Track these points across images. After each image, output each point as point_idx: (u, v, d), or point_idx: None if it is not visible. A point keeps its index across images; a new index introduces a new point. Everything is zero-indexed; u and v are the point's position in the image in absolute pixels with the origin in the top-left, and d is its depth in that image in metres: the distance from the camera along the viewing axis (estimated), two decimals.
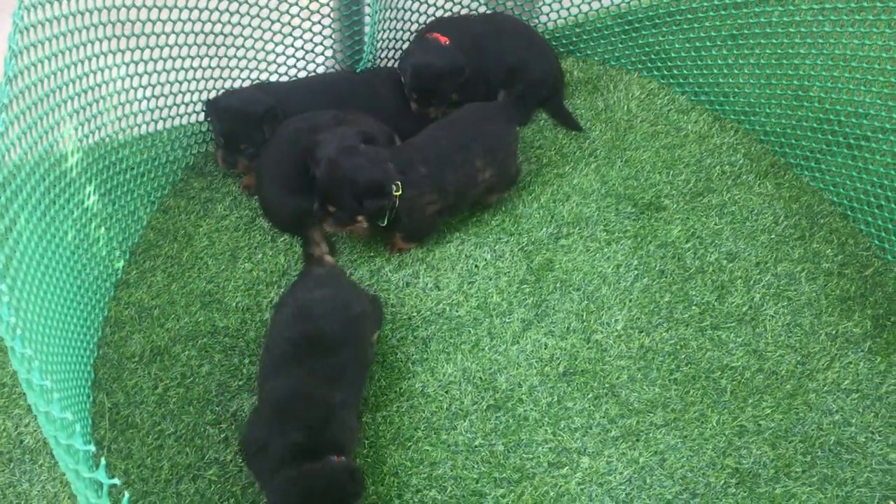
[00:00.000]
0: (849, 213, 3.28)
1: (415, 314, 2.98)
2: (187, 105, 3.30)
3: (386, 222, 2.93)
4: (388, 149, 3.05)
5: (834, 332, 2.98)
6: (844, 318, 3.01)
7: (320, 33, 3.47)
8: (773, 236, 3.23)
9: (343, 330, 2.55)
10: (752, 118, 3.55)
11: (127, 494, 1.47)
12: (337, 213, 2.89)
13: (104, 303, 2.90)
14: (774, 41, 3.41)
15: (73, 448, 1.46)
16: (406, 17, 3.62)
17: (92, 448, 1.48)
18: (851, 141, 3.26)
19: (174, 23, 3.03)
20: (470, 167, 3.07)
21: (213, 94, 3.35)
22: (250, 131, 3.12)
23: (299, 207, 3.02)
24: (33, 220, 2.10)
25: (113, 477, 1.51)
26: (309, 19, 3.40)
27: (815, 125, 3.35)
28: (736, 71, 3.54)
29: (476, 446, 2.69)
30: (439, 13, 3.73)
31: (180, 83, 3.21)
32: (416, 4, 3.62)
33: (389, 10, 3.48)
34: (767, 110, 3.50)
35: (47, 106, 2.22)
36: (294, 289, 2.76)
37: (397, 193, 2.88)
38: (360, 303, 2.70)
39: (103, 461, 1.43)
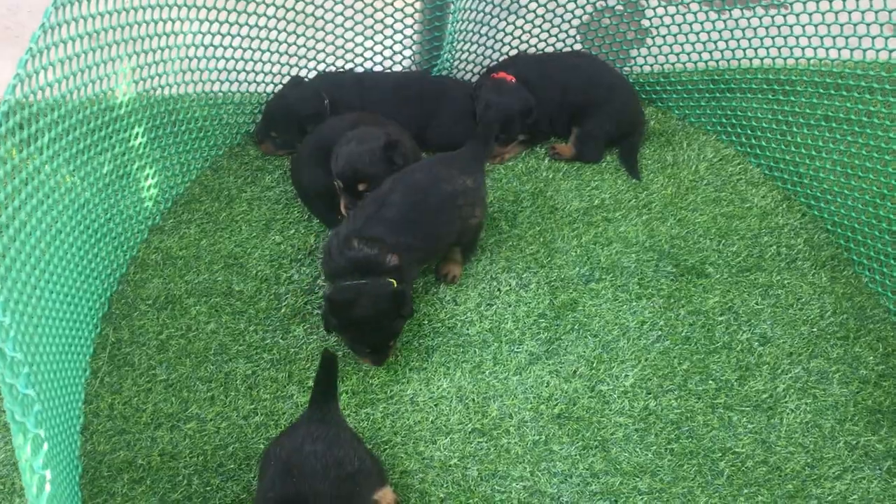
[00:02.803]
0: None
1: (425, 322, 2.96)
2: (260, 74, 3.39)
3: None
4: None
5: (854, 442, 2.79)
6: (869, 430, 2.82)
7: (402, 31, 3.51)
8: (814, 329, 3.06)
9: (334, 491, 2.20)
10: (822, 205, 3.38)
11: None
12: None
13: (134, 242, 2.99)
14: (869, 131, 3.22)
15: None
16: (492, 35, 3.63)
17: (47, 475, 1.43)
18: None
19: None
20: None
21: (290, 70, 3.43)
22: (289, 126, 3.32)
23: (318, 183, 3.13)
24: (62, 143, 2.17)
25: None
26: (392, 16, 3.44)
27: (887, 226, 3.16)
28: (815, 153, 3.38)
29: (450, 466, 2.63)
30: (525, 37, 3.72)
31: (259, 51, 3.30)
32: (504, 25, 3.62)
33: (475, 24, 3.49)
34: (840, 200, 3.32)
35: (103, 41, 2.30)
36: (283, 440, 2.34)
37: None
38: (355, 460, 2.30)
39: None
